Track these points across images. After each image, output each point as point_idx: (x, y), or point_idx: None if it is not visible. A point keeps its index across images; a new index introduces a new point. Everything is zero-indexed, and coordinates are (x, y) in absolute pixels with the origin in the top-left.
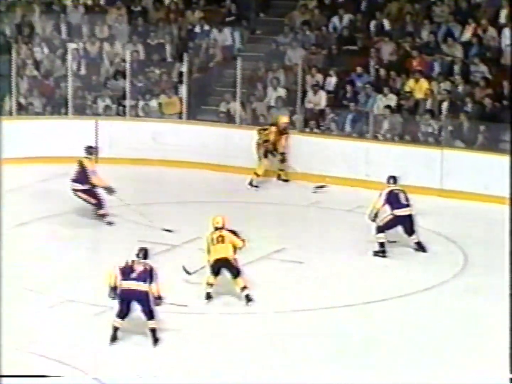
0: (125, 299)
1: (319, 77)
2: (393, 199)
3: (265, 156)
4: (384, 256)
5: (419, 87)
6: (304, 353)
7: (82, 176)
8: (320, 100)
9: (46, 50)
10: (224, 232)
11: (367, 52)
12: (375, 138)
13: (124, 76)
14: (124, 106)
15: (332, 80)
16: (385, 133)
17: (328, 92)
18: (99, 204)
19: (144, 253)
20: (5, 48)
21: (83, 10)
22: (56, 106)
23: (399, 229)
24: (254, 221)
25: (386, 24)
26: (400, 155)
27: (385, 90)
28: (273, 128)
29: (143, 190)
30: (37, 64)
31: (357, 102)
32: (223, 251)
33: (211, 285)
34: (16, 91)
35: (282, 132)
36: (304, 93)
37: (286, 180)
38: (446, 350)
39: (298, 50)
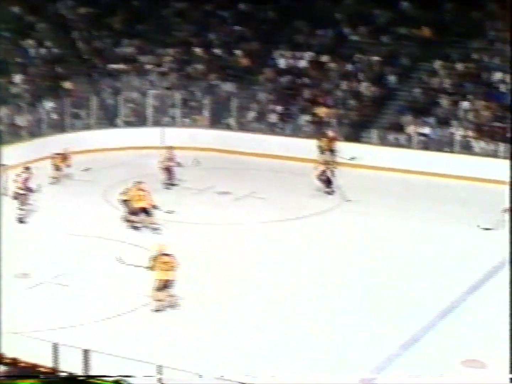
0: None
1: (273, 106)
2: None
3: (321, 153)
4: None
5: (322, 111)
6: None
7: None
8: (274, 117)
9: (137, 94)
10: None
11: (297, 94)
12: (299, 136)
13: (177, 106)
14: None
15: (280, 108)
16: (304, 133)
17: (278, 113)
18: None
19: None
20: (116, 94)
21: (156, 74)
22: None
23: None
24: None
25: (307, 80)
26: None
27: (306, 112)
28: (324, 139)
29: None
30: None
31: (292, 118)
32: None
33: None
34: (122, 114)
35: (331, 140)
36: (266, 114)
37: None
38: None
39: (263, 93)
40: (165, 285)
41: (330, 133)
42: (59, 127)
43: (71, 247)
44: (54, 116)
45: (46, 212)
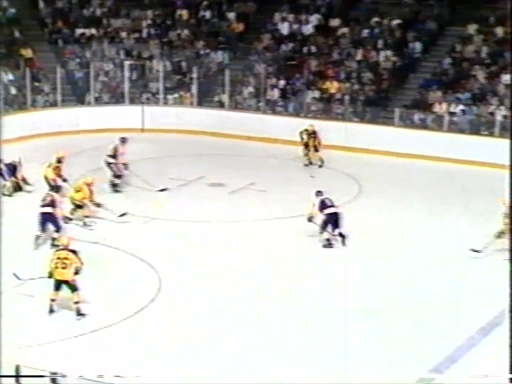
0: None
1: (274, 80)
2: (322, 206)
3: (305, 147)
4: (331, 247)
5: (332, 86)
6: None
7: None
8: (275, 94)
9: (111, 65)
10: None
11: (302, 66)
12: (306, 116)
13: (158, 80)
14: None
15: (281, 82)
16: (310, 112)
17: (280, 89)
18: None
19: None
20: (85, 66)
21: (133, 41)
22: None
23: None
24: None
25: (313, 49)
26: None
27: (312, 87)
28: (305, 132)
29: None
30: (106, 74)
31: (296, 95)
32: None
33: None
34: (93, 90)
35: (310, 134)
36: (265, 89)
37: (320, 166)
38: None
39: (262, 64)
40: (58, 286)
41: (310, 127)
42: (19, 104)
43: None
44: (13, 91)
45: None
